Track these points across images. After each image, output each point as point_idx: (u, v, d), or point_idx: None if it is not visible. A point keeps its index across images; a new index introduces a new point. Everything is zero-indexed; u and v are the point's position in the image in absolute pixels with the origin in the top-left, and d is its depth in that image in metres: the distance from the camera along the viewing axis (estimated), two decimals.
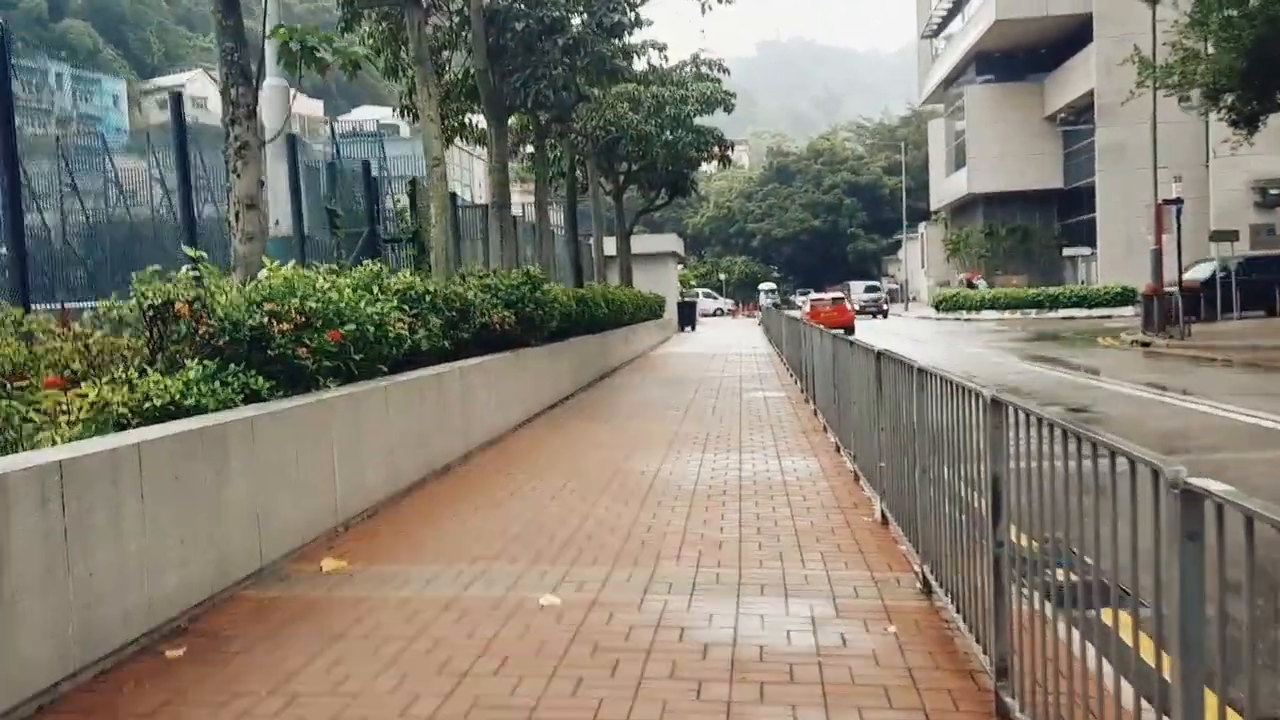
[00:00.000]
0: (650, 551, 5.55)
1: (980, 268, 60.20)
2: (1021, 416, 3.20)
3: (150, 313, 6.00)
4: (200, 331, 5.99)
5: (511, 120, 22.44)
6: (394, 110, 18.84)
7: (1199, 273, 30.99)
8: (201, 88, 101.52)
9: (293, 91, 13.45)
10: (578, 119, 22.57)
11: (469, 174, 63.26)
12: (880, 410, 6.06)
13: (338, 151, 20.36)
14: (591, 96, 22.43)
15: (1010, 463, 3.28)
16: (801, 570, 5.09)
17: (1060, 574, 2.84)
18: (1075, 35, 52.43)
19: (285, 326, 6.26)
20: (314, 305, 6.66)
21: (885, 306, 56.91)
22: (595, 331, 17.35)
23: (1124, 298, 42.41)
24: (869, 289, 60.06)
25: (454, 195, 16.89)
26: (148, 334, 6.07)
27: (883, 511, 6.11)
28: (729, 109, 30.06)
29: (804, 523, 6.16)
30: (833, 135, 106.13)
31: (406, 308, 9.17)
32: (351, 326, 7.03)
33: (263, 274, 6.68)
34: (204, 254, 6.66)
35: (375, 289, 8.35)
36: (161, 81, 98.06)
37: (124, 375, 5.49)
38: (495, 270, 12.91)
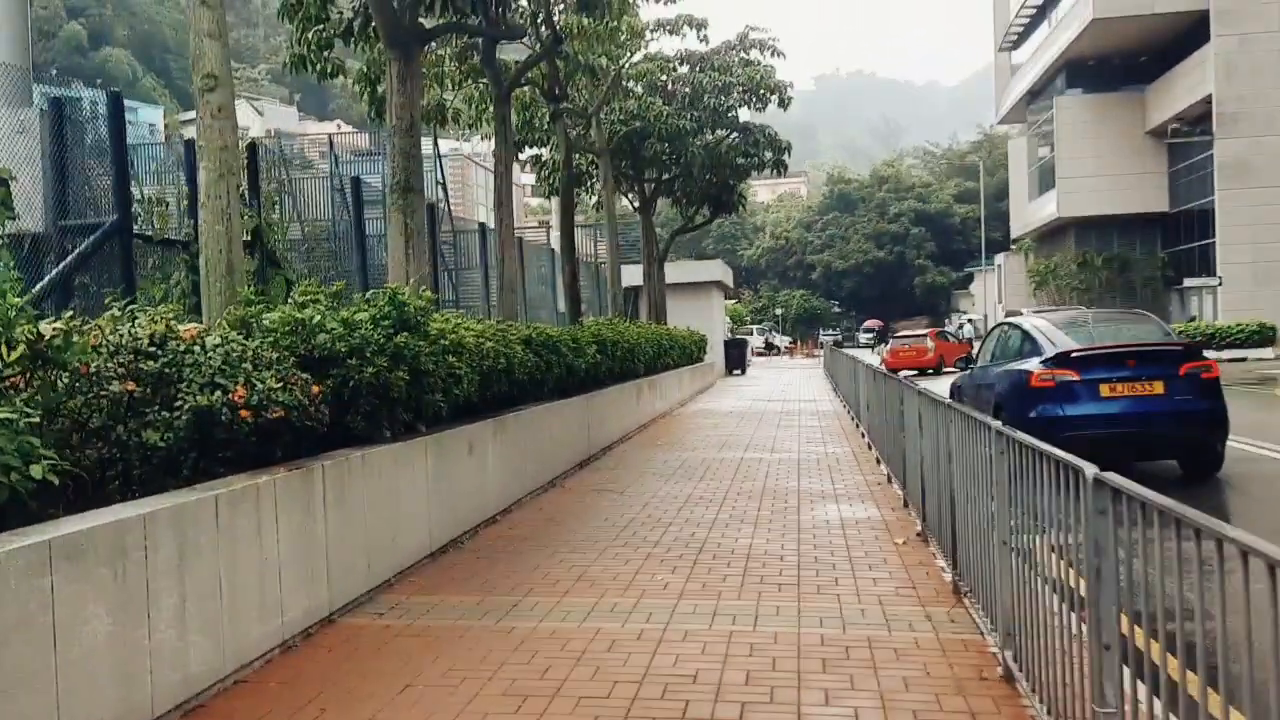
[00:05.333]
0: None
1: (1070, 300, 53.21)
2: None
3: None
4: None
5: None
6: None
7: None
8: (244, 117, 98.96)
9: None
10: (574, 91, 16.82)
11: (490, 194, 57.94)
12: None
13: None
14: (598, 68, 16.70)
15: None
16: None
17: None
18: (1184, 36, 45.71)
19: None
20: None
21: None
22: (575, 392, 11.40)
23: (1262, 336, 35.42)
24: None
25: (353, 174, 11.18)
26: None
27: None
28: (784, 102, 24.09)
29: None
30: (897, 161, 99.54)
31: None
32: None
33: None
34: None
35: None
36: None
37: None
38: (356, 296, 7.11)
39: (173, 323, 4.92)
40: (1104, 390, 9.06)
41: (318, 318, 5.99)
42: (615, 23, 13.86)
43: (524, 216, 67.14)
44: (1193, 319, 44.48)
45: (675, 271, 32.11)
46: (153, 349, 4.70)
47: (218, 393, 4.63)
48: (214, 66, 6.24)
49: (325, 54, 10.72)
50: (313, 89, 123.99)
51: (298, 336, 5.83)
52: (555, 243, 24.29)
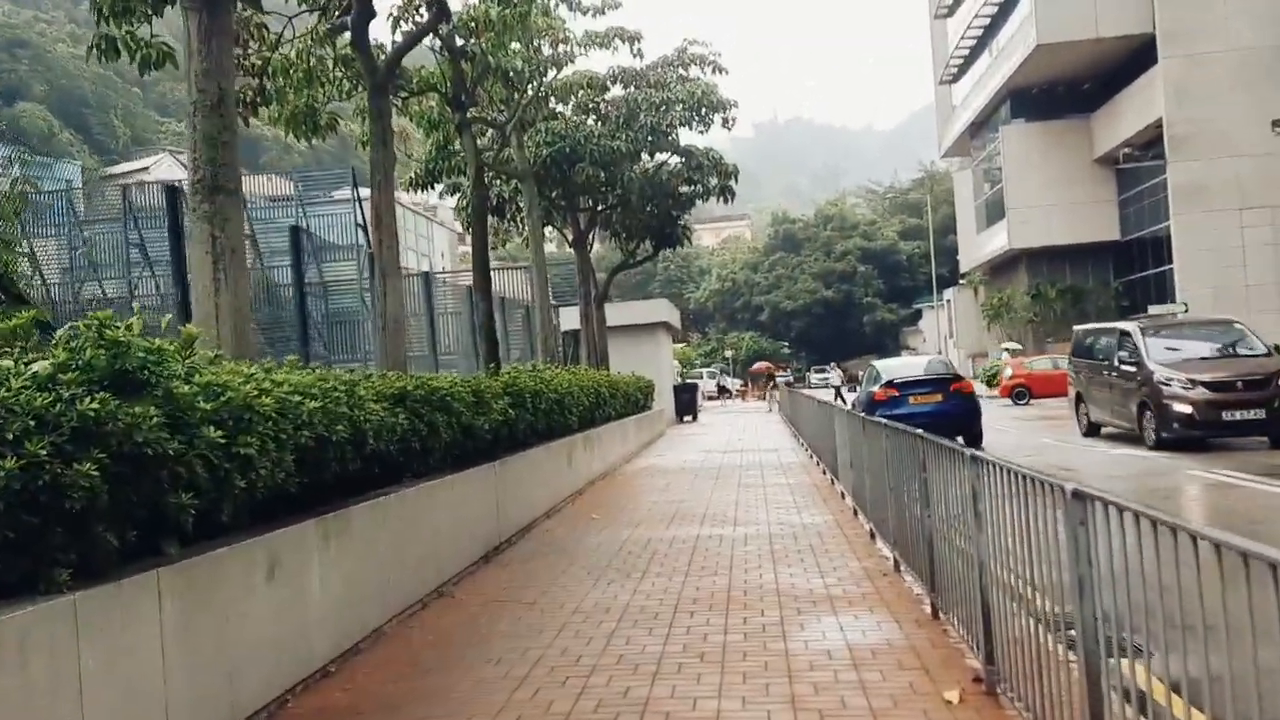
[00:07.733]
0: None
1: (1028, 334, 51.72)
2: None
3: None
4: None
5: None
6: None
7: None
8: (168, 170, 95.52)
9: None
10: (489, 105, 14.39)
11: (427, 242, 54.23)
12: None
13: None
14: (512, 72, 14.27)
15: None
16: None
17: None
18: (1130, 61, 44.73)
19: None
20: None
21: None
22: (480, 459, 8.74)
23: None
24: None
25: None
26: None
27: None
28: (728, 122, 21.86)
29: None
30: (841, 201, 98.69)
31: None
32: None
33: None
34: None
35: None
36: (125, 167, 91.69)
37: None
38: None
39: None
40: (911, 400, 16.07)
41: None
42: (525, 7, 11.42)
43: (460, 262, 64.46)
44: None
45: (618, 313, 29.62)
46: None
47: None
48: None
49: (130, 29, 8.07)
50: (330, 151, 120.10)
51: None
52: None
